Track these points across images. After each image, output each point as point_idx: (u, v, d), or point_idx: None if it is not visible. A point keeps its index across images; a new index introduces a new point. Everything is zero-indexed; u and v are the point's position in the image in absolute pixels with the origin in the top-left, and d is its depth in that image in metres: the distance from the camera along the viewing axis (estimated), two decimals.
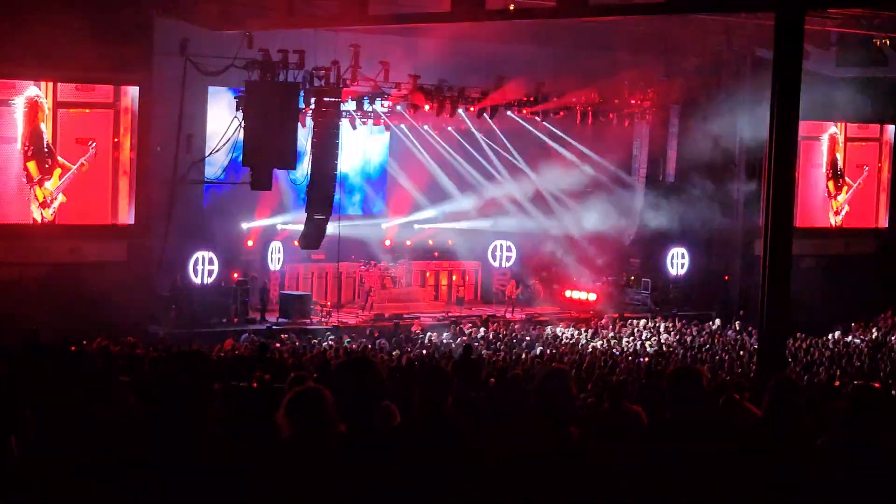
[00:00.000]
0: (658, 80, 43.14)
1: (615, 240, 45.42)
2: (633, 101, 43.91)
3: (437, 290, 45.16)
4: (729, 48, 42.43)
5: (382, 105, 40.42)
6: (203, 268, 38.66)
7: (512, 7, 31.41)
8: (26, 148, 34.90)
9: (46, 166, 35.17)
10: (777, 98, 23.11)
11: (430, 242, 45.76)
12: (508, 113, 42.56)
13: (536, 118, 43.17)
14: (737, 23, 40.06)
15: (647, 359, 30.05)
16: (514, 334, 36.84)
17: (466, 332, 37.64)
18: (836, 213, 48.28)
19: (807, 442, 8.01)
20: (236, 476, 6.72)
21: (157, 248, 37.41)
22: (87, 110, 36.06)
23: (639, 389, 18.78)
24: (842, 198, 48.29)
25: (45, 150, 35.16)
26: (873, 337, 33.42)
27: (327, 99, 37.18)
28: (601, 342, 35.22)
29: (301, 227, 38.55)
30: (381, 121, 42.04)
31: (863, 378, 25.50)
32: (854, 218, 48.51)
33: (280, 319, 39.09)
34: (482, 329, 37.88)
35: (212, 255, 38.82)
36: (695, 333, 37.41)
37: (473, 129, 43.04)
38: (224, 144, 38.39)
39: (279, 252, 41.50)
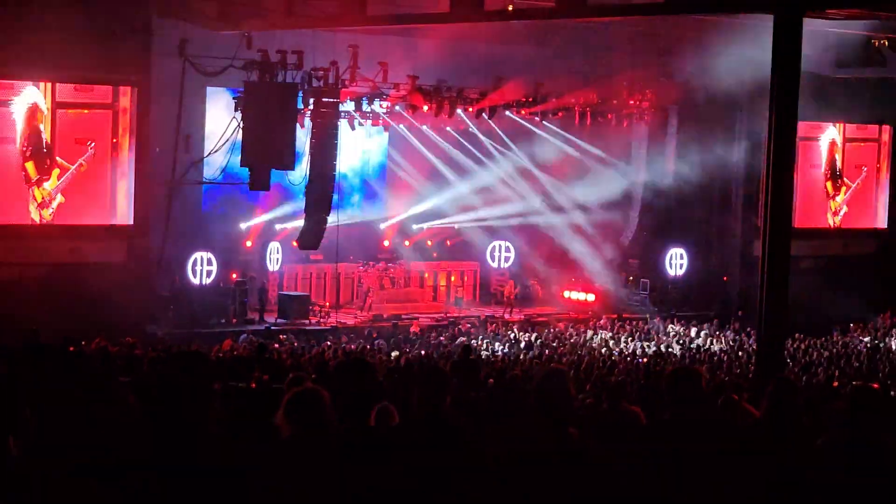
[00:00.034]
0: (656, 81, 43.12)
1: (614, 240, 45.48)
2: (631, 102, 43.91)
3: (436, 290, 45.16)
4: (726, 49, 42.36)
5: (381, 106, 40.43)
6: (202, 268, 38.67)
7: (510, 7, 31.40)
8: (25, 148, 34.89)
9: (45, 167, 35.17)
10: (776, 99, 23.11)
11: (429, 243, 45.79)
12: (507, 113, 42.56)
13: (535, 119, 43.18)
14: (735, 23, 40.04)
15: (645, 359, 30.06)
16: (512, 335, 36.83)
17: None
18: (835, 214, 48.30)
19: (806, 442, 8.02)
20: (236, 476, 6.73)
21: (156, 249, 37.40)
22: (86, 111, 36.05)
23: (637, 390, 18.78)
24: (840, 198, 48.31)
25: (44, 150, 35.15)
26: (865, 341, 33.32)
27: (326, 99, 37.18)
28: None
29: (299, 227, 38.61)
30: (380, 121, 42.04)
31: (861, 379, 25.51)
32: (853, 219, 48.53)
33: (278, 320, 39.10)
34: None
35: (210, 255, 38.85)
36: (693, 334, 37.45)
37: (473, 128, 42.97)
38: (223, 145, 38.37)
39: (278, 253, 41.52)
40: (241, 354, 27.08)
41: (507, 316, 42.44)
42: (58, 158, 35.34)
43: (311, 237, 38.00)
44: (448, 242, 46.00)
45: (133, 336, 31.59)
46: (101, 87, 36.10)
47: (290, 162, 36.79)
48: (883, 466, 7.60)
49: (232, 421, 10.74)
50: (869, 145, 49.01)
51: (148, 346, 29.26)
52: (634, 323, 39.91)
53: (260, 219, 41.50)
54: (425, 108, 40.46)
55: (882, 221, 48.94)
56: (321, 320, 39.87)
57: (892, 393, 21.04)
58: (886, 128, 48.77)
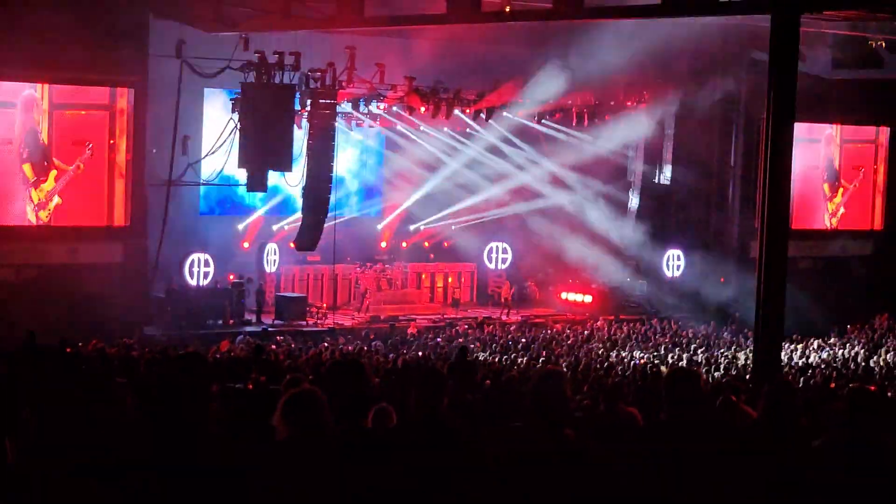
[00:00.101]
0: (653, 82, 43.11)
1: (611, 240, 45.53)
2: (628, 104, 43.92)
3: (433, 291, 45.16)
4: (724, 50, 42.39)
5: (378, 107, 40.44)
6: (198, 269, 38.69)
7: (508, 9, 31.40)
8: (22, 150, 34.87)
9: (42, 168, 35.15)
10: (773, 100, 23.13)
11: (426, 244, 45.80)
12: (505, 114, 42.56)
13: (533, 119, 43.19)
14: (732, 24, 40.05)
15: (642, 361, 30.04)
16: (509, 336, 36.80)
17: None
18: (832, 215, 48.31)
19: (803, 443, 8.02)
20: (234, 476, 6.73)
21: (153, 250, 37.36)
22: (83, 112, 36.04)
23: (635, 391, 18.78)
24: (838, 200, 48.32)
25: (41, 152, 35.14)
26: (853, 353, 33.15)
27: (323, 101, 37.17)
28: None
29: (296, 228, 38.62)
30: (377, 122, 42.06)
31: (858, 380, 25.51)
32: (850, 220, 48.54)
33: (276, 321, 39.08)
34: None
35: (207, 256, 38.86)
36: (691, 335, 37.43)
37: (473, 124, 42.85)
38: (220, 146, 38.39)
39: (275, 254, 41.52)
40: (239, 356, 27.07)
41: (504, 317, 42.42)
42: (55, 160, 35.33)
43: (308, 238, 37.99)
44: (445, 244, 46.00)
45: (130, 337, 31.66)
46: (99, 88, 36.09)
47: (287, 163, 36.80)
48: (881, 467, 7.60)
49: (229, 422, 10.75)
50: (866, 146, 49.01)
51: (145, 347, 29.25)
52: (632, 324, 39.90)
53: (257, 215, 41.48)
54: (422, 109, 40.50)
55: (879, 223, 48.94)
56: (318, 321, 39.84)
57: (888, 394, 21.06)
58: (884, 129, 48.77)
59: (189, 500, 6.68)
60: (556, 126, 43.94)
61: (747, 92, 43.86)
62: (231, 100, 37.49)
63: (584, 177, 44.55)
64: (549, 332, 37.99)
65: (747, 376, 25.00)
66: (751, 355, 27.38)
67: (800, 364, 29.83)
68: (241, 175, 37.69)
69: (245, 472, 6.74)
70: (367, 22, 32.13)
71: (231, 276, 39.79)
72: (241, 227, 41.47)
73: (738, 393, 12.60)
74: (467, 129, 43.29)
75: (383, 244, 45.08)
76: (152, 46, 36.64)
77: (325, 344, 33.85)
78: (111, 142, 36.29)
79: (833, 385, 23.57)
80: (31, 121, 34.94)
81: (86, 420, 7.77)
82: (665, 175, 44.99)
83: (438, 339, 35.42)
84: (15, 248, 34.61)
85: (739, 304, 41.17)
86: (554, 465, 7.30)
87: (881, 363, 30.67)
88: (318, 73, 37.14)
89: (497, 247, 46.65)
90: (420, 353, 31.01)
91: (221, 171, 39.06)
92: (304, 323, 39.29)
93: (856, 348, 34.03)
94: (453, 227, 45.50)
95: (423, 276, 45.14)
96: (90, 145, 35.81)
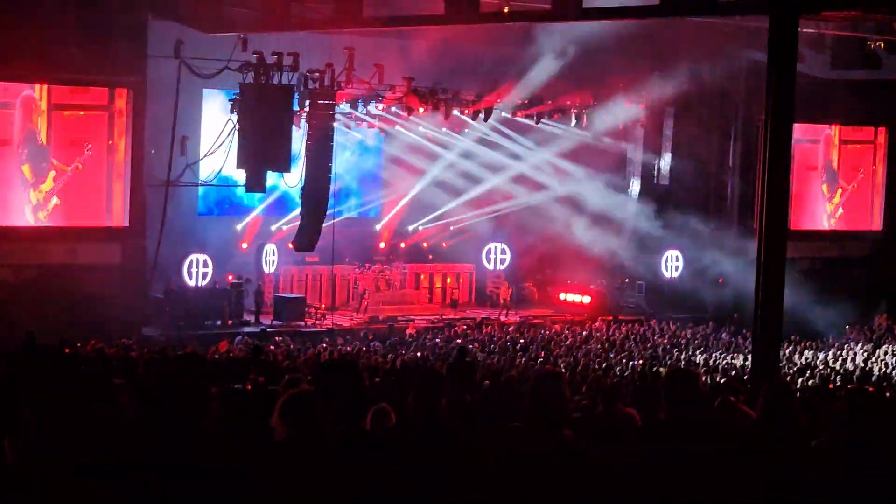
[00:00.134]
0: (651, 83, 43.10)
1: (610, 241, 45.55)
2: (627, 105, 43.92)
3: (432, 292, 45.17)
4: (722, 51, 42.37)
5: (377, 107, 40.44)
6: (197, 270, 38.71)
7: (506, 10, 31.40)
8: (20, 150, 34.88)
9: (41, 169, 35.15)
10: (771, 100, 23.12)
11: (425, 245, 45.80)
12: (503, 114, 42.57)
13: (531, 120, 43.18)
14: (730, 25, 40.07)
15: (641, 361, 30.04)
16: (508, 337, 36.79)
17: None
18: (831, 216, 48.31)
19: (801, 443, 8.03)
20: (234, 477, 6.73)
21: (152, 251, 37.36)
22: (82, 112, 36.04)
23: (633, 392, 18.77)
24: (836, 200, 48.33)
25: (40, 152, 35.13)
26: (851, 354, 33.11)
27: (322, 101, 37.18)
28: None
29: (295, 229, 38.63)
30: (376, 123, 42.06)
31: (856, 381, 25.52)
32: (848, 221, 48.55)
33: (274, 322, 39.07)
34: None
35: (206, 257, 38.86)
36: (689, 336, 37.41)
37: (472, 123, 42.82)
38: (218, 147, 38.39)
39: (273, 254, 41.51)
40: (237, 356, 27.07)
41: (502, 318, 42.42)
42: (54, 161, 35.33)
43: (306, 239, 37.97)
44: (444, 244, 46.01)
45: (128, 338, 31.64)
46: (97, 88, 36.11)
47: (285, 164, 36.78)
48: (880, 467, 7.61)
49: (228, 422, 10.75)
50: (865, 147, 49.01)
51: (143, 347, 29.25)
52: (630, 325, 39.89)
53: (253, 214, 41.48)
54: (421, 110, 40.51)
55: (878, 224, 48.94)
56: (317, 322, 39.84)
57: (887, 394, 21.06)
58: (882, 130, 48.77)
59: (188, 500, 6.69)
60: (554, 125, 43.93)
61: (746, 93, 43.86)
62: (229, 100, 37.48)
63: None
64: (547, 332, 37.96)
65: (746, 377, 25.00)
66: (749, 356, 27.38)
67: (798, 365, 29.83)
68: (240, 175, 37.68)
69: (244, 473, 6.74)
70: (366, 23, 32.14)
71: (230, 277, 39.79)
72: (239, 227, 41.49)
73: (737, 393, 12.60)
74: (466, 130, 43.27)
75: (382, 245, 45.08)
76: (151, 47, 36.64)
77: (324, 345, 33.86)
78: (110, 142, 36.29)
79: (832, 386, 23.58)
80: (30, 121, 34.94)
81: (85, 420, 7.77)
82: (664, 175, 44.99)
83: (437, 340, 35.40)
84: (14, 249, 34.61)
85: (738, 305, 41.19)
86: (553, 465, 7.31)
87: (880, 364, 30.69)
88: (317, 74, 37.14)
89: (496, 247, 46.65)
90: (419, 354, 31.01)
91: (220, 171, 39.08)
92: (302, 323, 39.28)
93: (854, 349, 34.03)
94: (451, 228, 45.51)
95: (422, 276, 45.16)
96: (89, 146, 35.82)
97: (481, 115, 41.65)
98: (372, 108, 40.31)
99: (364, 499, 6.77)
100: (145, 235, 37.15)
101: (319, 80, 37.18)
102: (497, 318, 42.19)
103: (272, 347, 31.41)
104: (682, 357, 31.87)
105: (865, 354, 32.60)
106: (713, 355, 32.24)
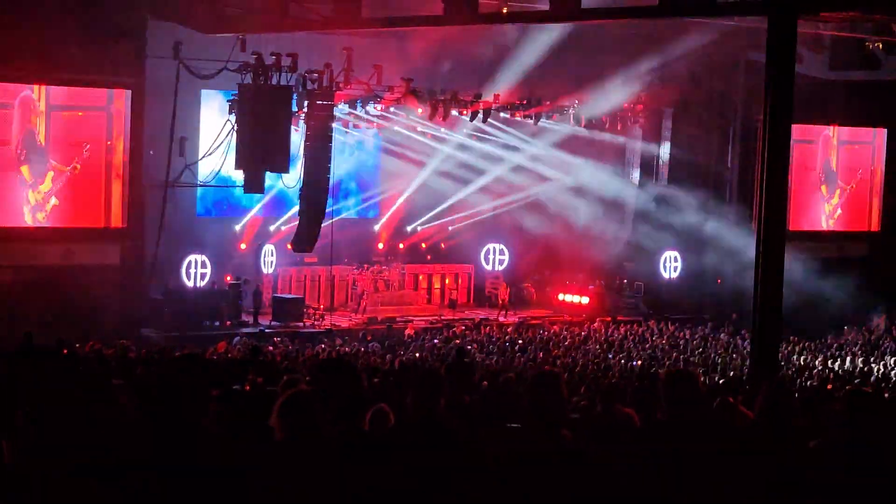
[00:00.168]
0: (650, 84, 43.12)
1: (607, 242, 45.56)
2: (625, 105, 43.94)
3: (430, 293, 45.17)
4: (720, 51, 42.38)
5: (375, 108, 40.44)
6: (196, 271, 38.69)
7: (505, 10, 31.41)
8: (19, 151, 34.88)
9: (40, 170, 35.15)
10: (770, 101, 23.12)
11: (423, 245, 45.81)
12: (501, 115, 42.58)
13: (529, 121, 43.20)
14: (729, 26, 40.09)
15: (639, 362, 30.05)
16: (506, 338, 36.79)
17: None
18: (830, 217, 48.32)
19: (800, 444, 8.02)
20: (234, 476, 6.73)
21: (150, 252, 37.37)
22: (81, 113, 36.06)
23: (632, 392, 18.77)
24: (835, 201, 48.34)
25: (39, 153, 35.13)
26: (850, 354, 33.05)
27: (320, 102, 37.17)
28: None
29: (293, 229, 38.64)
30: (375, 123, 42.07)
31: (854, 381, 25.53)
32: (847, 221, 48.57)
33: (273, 322, 39.06)
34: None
35: (204, 258, 38.85)
36: (688, 337, 37.41)
37: (467, 119, 42.84)
38: (217, 148, 38.38)
39: (272, 255, 41.50)
40: (236, 357, 27.06)
41: (501, 319, 42.42)
42: (52, 161, 35.33)
43: (305, 240, 37.97)
44: (442, 245, 46.02)
45: (127, 339, 31.61)
46: (96, 89, 36.14)
47: (284, 165, 36.77)
48: (879, 467, 7.61)
49: (227, 423, 10.75)
50: (863, 148, 49.04)
51: (141, 348, 29.24)
52: (629, 326, 39.89)
53: (251, 213, 41.47)
54: (419, 110, 40.52)
55: (876, 224, 48.95)
56: (315, 323, 39.82)
57: (885, 395, 21.06)
58: (880, 130, 48.77)
59: (188, 500, 6.68)
60: (552, 125, 43.97)
61: (744, 93, 43.88)
62: (228, 101, 37.49)
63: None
64: (546, 333, 37.97)
65: (744, 377, 25.00)
66: (748, 356, 27.38)
67: (797, 365, 29.83)
68: (238, 176, 37.68)
69: (243, 473, 6.74)
70: (364, 23, 32.10)
71: (228, 278, 39.79)
72: (238, 228, 41.48)
73: (736, 394, 12.60)
74: (464, 130, 43.28)
75: (380, 245, 45.09)
76: (149, 48, 36.66)
77: (323, 345, 33.86)
78: (108, 143, 36.31)
79: (830, 387, 23.56)
80: (29, 122, 34.95)
81: (84, 420, 7.76)
82: (662, 176, 45.02)
83: (436, 341, 35.40)
84: (12, 250, 34.61)
85: (736, 306, 41.20)
86: (551, 465, 7.30)
87: (878, 364, 30.69)
88: (315, 75, 37.15)
89: (494, 248, 46.65)
90: (417, 355, 31.00)
91: (219, 172, 39.06)
92: (301, 324, 39.27)
93: (853, 349, 34.03)
94: (450, 229, 45.53)
95: (421, 277, 45.16)
96: (87, 146, 35.82)
97: (479, 116, 41.61)
98: (370, 108, 40.31)
99: (363, 499, 6.77)
100: (144, 236, 37.17)
101: (318, 80, 37.19)
102: (496, 319, 42.19)
103: (270, 348, 31.41)
104: (681, 358, 31.86)
105: (864, 355, 32.60)
106: (712, 356, 32.24)
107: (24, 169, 35.01)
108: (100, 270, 35.32)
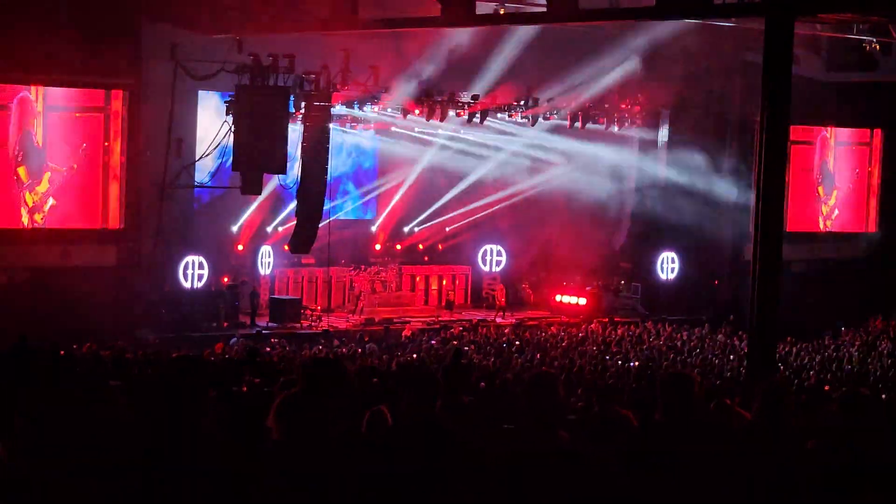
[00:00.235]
0: (647, 85, 43.13)
1: (606, 243, 45.60)
2: (622, 106, 43.95)
3: (427, 294, 45.16)
4: (718, 52, 42.38)
5: (373, 109, 40.44)
6: (193, 272, 38.63)
7: (502, 11, 31.42)
8: (16, 152, 34.87)
9: (37, 171, 35.14)
10: (767, 102, 23.14)
11: (420, 247, 45.81)
12: (499, 115, 42.57)
13: (527, 121, 43.20)
14: (727, 26, 40.10)
15: (637, 363, 30.04)
16: (504, 339, 36.78)
17: None
18: (827, 218, 48.35)
19: (797, 444, 8.02)
20: (231, 477, 6.72)
21: (147, 253, 37.35)
22: (78, 114, 36.06)
23: (629, 393, 18.77)
24: (832, 202, 48.37)
25: (36, 154, 35.12)
26: (847, 355, 33.00)
27: (318, 103, 37.18)
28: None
29: (290, 231, 38.65)
30: (372, 124, 42.08)
31: (852, 383, 25.52)
32: (844, 222, 48.59)
33: (270, 324, 39.06)
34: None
35: (201, 259, 38.80)
36: (685, 338, 37.40)
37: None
38: (214, 149, 38.34)
39: (269, 256, 41.48)
40: (233, 358, 27.06)
41: (498, 320, 42.42)
42: (49, 163, 35.33)
43: (302, 241, 37.98)
44: (440, 246, 46.04)
45: (123, 340, 31.61)
46: (93, 90, 36.17)
47: (281, 166, 36.75)
48: (876, 469, 7.61)
49: (224, 424, 10.75)
50: (860, 149, 49.08)
51: (138, 350, 29.22)
52: (626, 327, 39.88)
53: (248, 213, 41.44)
54: (417, 111, 40.53)
55: (873, 225, 48.99)
56: (313, 324, 39.83)
57: (882, 396, 21.06)
58: (878, 131, 48.83)
59: (185, 501, 6.68)
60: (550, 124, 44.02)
61: (741, 94, 43.87)
62: (225, 102, 37.44)
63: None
64: (543, 334, 37.95)
65: (741, 378, 25.00)
66: (745, 358, 27.38)
67: (794, 366, 29.83)
68: (236, 178, 37.65)
69: (241, 474, 6.73)
70: (362, 25, 32.13)
71: (225, 279, 39.80)
72: (235, 229, 41.45)
73: (733, 395, 12.60)
74: (461, 132, 43.28)
75: (378, 247, 45.09)
76: (146, 49, 36.65)
77: (320, 347, 33.86)
78: (105, 144, 36.33)
79: (827, 388, 23.56)
80: (26, 123, 34.94)
81: (80, 422, 7.76)
82: (659, 177, 45.03)
83: (433, 342, 35.40)
84: (9, 251, 34.60)
85: (734, 307, 41.21)
86: (549, 466, 7.30)
87: (875, 365, 30.69)
88: (313, 76, 37.16)
89: (491, 249, 46.65)
90: (415, 356, 30.99)
91: (216, 173, 39.03)
92: (298, 325, 39.28)
93: (850, 350, 34.02)
94: (447, 230, 45.55)
95: (418, 278, 45.15)
96: (84, 145, 35.83)
97: (476, 118, 41.59)
98: (368, 109, 40.30)
99: (360, 500, 6.76)
100: (141, 237, 37.15)
101: (315, 81, 37.20)
102: (493, 320, 42.19)
103: (268, 349, 31.40)
104: (678, 359, 31.85)
105: (861, 356, 32.59)
106: (709, 357, 32.23)
107: (21, 170, 34.99)
108: (97, 271, 35.33)
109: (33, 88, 35.00)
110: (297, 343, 34.86)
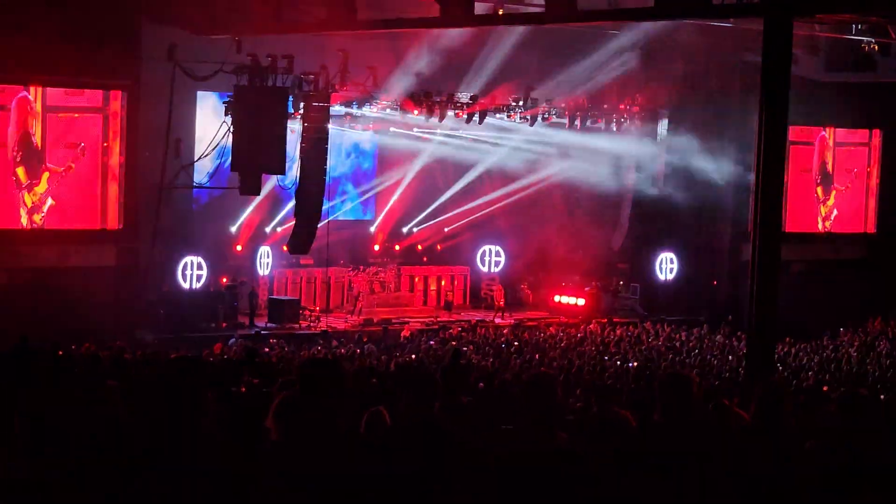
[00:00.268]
0: (646, 85, 43.13)
1: (604, 243, 45.61)
2: (621, 107, 43.93)
3: (426, 294, 45.16)
4: (717, 52, 42.38)
5: (371, 109, 40.43)
6: (191, 272, 38.63)
7: (500, 12, 31.43)
8: (15, 153, 34.87)
9: (35, 171, 35.14)
10: (766, 103, 23.15)
11: (419, 247, 45.80)
12: (498, 116, 42.53)
13: (525, 122, 43.18)
14: (725, 27, 40.12)
15: (635, 363, 30.04)
16: (502, 339, 36.78)
17: None
18: (825, 219, 48.35)
19: (796, 445, 8.03)
20: (230, 478, 6.73)
21: (146, 253, 37.35)
22: (77, 115, 36.05)
23: (628, 394, 18.78)
24: (830, 203, 48.37)
25: (34, 154, 35.12)
26: (846, 356, 32.97)
27: (316, 104, 37.16)
28: None
29: (289, 231, 38.64)
30: (370, 125, 42.07)
31: (850, 383, 25.54)
32: (843, 223, 48.59)
33: (269, 324, 39.06)
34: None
35: (200, 259, 38.79)
36: (684, 338, 37.41)
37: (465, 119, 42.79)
38: (213, 149, 38.33)
39: (268, 257, 41.47)
40: (232, 358, 27.05)
41: (497, 320, 42.42)
42: (48, 163, 35.33)
43: (301, 242, 37.97)
44: (438, 247, 46.04)
45: (122, 340, 31.59)
46: (92, 91, 36.15)
47: (280, 166, 36.74)
48: (875, 469, 7.61)
49: (223, 424, 10.75)
50: (859, 149, 49.07)
51: (137, 350, 29.22)
52: (625, 327, 39.89)
53: (247, 212, 41.42)
54: (415, 112, 40.52)
55: (872, 226, 48.99)
56: (311, 325, 39.82)
57: (881, 396, 21.07)
58: (877, 132, 48.82)
59: (185, 501, 6.68)
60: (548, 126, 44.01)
61: (740, 95, 43.85)
62: (224, 103, 37.41)
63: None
64: (542, 335, 37.96)
65: (740, 379, 25.01)
66: (744, 358, 27.38)
67: (792, 367, 29.85)
68: (234, 178, 37.64)
69: (240, 474, 6.74)
70: (360, 25, 32.14)
71: (224, 279, 39.79)
72: (233, 229, 41.44)
73: (731, 396, 12.60)
74: (460, 131, 43.25)
75: (376, 247, 45.08)
76: (145, 49, 36.66)
77: (319, 347, 33.86)
78: (104, 144, 36.32)
79: (826, 388, 23.58)
80: (25, 124, 34.93)
81: (80, 422, 7.77)
82: (658, 178, 45.01)
83: (432, 342, 35.40)
84: (8, 252, 34.57)
85: (732, 307, 41.22)
86: (547, 467, 7.30)
87: (874, 366, 30.70)
88: (312, 76, 37.13)
89: (490, 249, 46.65)
90: (413, 356, 31.00)
91: (214, 173, 39.03)
92: (296, 326, 39.27)
93: (849, 351, 34.04)
94: (446, 230, 45.55)
95: (416, 279, 45.13)
96: (83, 145, 35.82)
97: (476, 118, 41.56)
98: (367, 110, 40.29)
99: (359, 500, 6.77)
100: (139, 238, 37.14)
101: (314, 82, 37.17)
102: (492, 321, 42.18)
103: (266, 350, 31.40)
104: (677, 359, 31.86)
105: (859, 356, 32.61)
106: (708, 357, 32.24)
107: (20, 170, 34.99)
108: (95, 272, 35.32)
109: (32, 89, 35.00)
110: (295, 343, 34.86)
